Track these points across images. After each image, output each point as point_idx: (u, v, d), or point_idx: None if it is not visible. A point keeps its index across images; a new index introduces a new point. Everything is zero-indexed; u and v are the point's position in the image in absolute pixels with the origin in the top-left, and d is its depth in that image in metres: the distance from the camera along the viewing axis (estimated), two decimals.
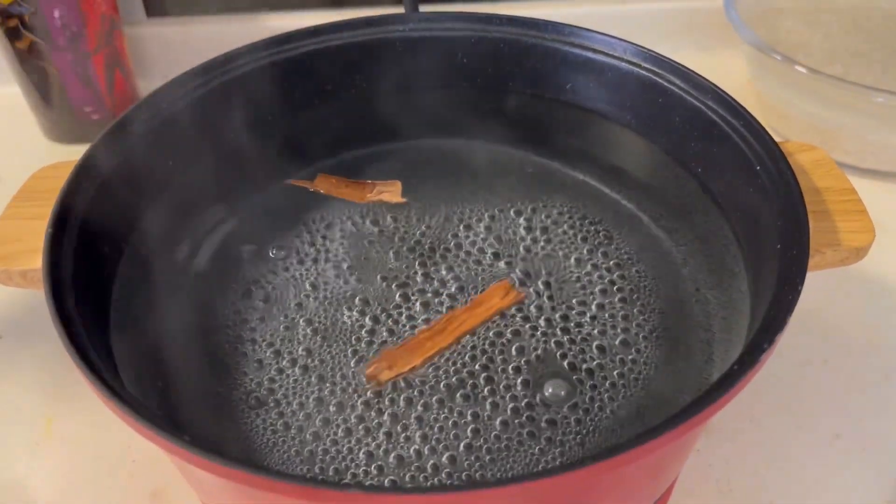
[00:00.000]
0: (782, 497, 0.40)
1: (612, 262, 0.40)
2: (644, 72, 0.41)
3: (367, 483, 0.32)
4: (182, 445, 0.25)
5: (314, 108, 0.45)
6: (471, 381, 0.35)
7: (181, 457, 0.25)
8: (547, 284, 0.39)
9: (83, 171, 0.34)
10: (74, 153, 0.62)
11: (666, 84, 0.40)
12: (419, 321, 0.38)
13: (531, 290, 0.39)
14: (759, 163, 0.35)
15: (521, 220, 0.43)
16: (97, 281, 0.33)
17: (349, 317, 0.38)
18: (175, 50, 0.67)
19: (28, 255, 0.34)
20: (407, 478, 0.32)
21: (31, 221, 0.35)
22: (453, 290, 0.39)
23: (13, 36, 0.57)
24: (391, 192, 0.43)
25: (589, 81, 0.43)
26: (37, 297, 0.50)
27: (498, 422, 0.34)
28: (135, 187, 0.37)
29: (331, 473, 0.32)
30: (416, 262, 0.40)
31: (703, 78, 0.39)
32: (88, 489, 0.41)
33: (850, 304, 0.50)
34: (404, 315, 0.38)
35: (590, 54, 0.42)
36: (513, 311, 0.38)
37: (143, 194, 0.37)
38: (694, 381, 0.35)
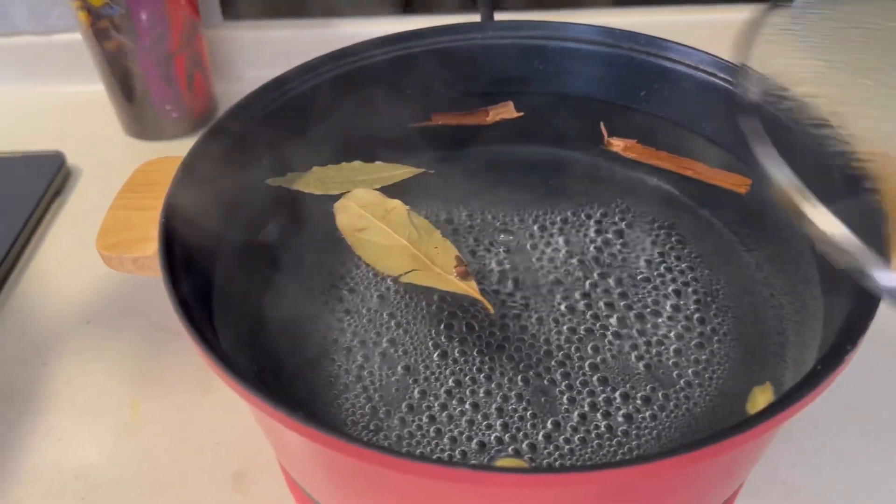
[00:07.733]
0: (848, 500, 0.41)
1: (685, 265, 0.41)
2: (720, 81, 0.42)
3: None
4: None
5: (392, 113, 0.47)
6: (548, 377, 0.37)
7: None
8: (619, 282, 0.40)
9: (190, 164, 0.36)
10: (152, 149, 0.65)
11: None
12: (495, 316, 0.39)
13: (601, 289, 0.40)
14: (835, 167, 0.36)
15: (592, 223, 0.44)
16: (201, 268, 0.35)
17: (428, 311, 0.39)
18: (249, 52, 0.70)
19: (138, 243, 0.36)
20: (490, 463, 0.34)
21: (139, 212, 0.37)
22: (527, 286, 0.40)
23: (102, 36, 0.59)
24: (507, 111, 0.47)
25: (664, 90, 0.44)
26: (125, 283, 0.53)
27: (576, 415, 0.35)
28: (235, 179, 0.39)
29: None
30: (493, 261, 0.42)
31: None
32: (174, 470, 0.43)
33: None
34: (481, 313, 0.40)
35: (665, 63, 0.44)
36: (582, 307, 0.39)
37: (243, 185, 0.40)
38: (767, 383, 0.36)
